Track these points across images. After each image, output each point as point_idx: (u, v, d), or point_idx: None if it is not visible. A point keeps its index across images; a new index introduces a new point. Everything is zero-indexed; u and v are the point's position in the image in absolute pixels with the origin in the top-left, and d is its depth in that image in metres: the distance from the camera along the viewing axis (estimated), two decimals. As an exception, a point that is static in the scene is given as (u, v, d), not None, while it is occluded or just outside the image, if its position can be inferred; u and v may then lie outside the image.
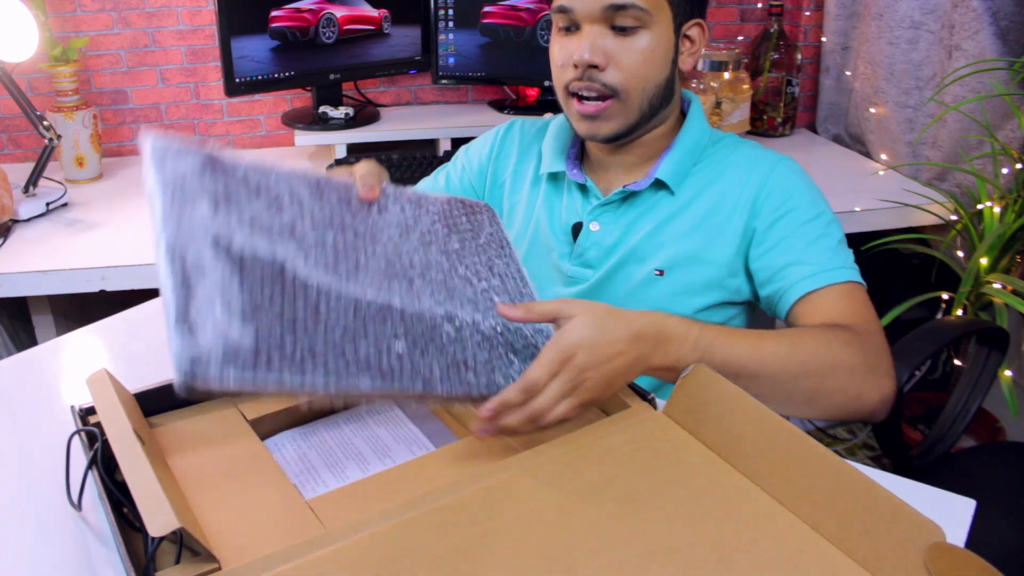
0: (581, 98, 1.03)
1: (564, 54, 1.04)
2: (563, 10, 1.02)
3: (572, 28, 1.03)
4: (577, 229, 1.14)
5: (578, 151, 1.18)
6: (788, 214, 1.03)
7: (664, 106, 1.07)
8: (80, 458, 0.77)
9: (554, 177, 1.18)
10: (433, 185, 1.31)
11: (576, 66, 1.01)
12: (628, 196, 1.10)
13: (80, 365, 1.06)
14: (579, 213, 1.14)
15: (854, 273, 1.01)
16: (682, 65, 1.07)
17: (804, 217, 1.03)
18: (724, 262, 1.06)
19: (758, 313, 1.15)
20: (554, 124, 1.20)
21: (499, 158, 1.25)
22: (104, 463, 0.72)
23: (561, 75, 1.05)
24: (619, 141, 1.08)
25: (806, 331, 0.91)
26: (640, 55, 1.01)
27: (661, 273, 1.08)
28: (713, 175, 1.09)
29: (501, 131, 1.27)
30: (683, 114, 1.15)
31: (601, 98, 1.02)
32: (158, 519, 0.58)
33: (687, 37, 1.06)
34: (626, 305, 1.06)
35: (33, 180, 1.72)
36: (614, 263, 1.10)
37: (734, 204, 1.06)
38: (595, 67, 1.00)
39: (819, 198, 1.06)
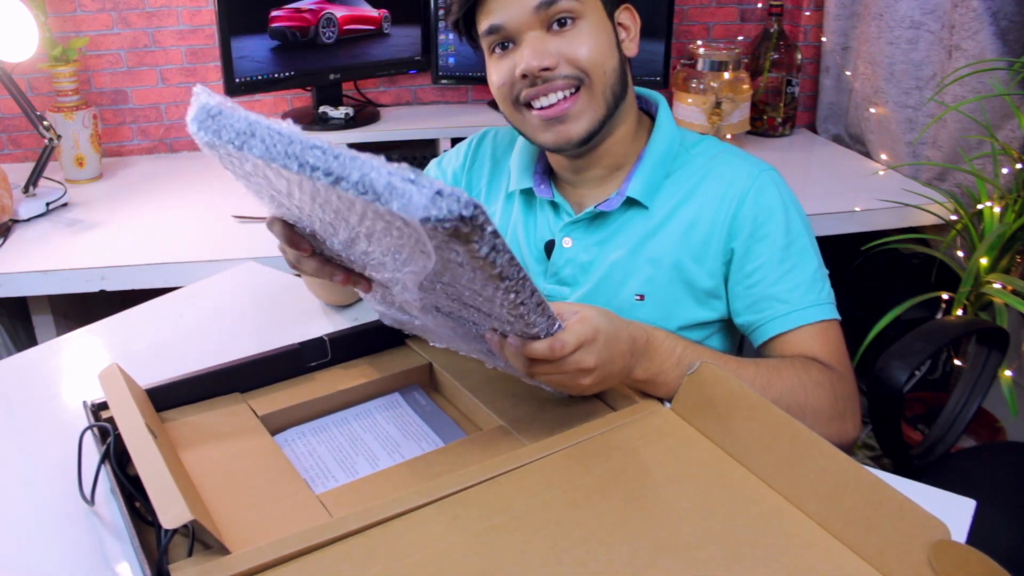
0: (543, 107, 0.99)
1: (505, 72, 0.99)
2: (493, 30, 0.98)
3: (507, 45, 0.99)
4: (550, 247, 1.10)
5: (545, 165, 1.13)
6: (765, 239, 1.01)
7: (623, 98, 1.03)
8: (88, 454, 0.77)
9: (526, 193, 1.13)
10: None
11: (524, 76, 0.97)
12: (599, 215, 1.06)
13: (80, 365, 1.06)
14: (551, 230, 1.10)
15: (828, 309, 1.00)
16: (626, 52, 1.04)
17: (780, 242, 1.00)
18: (705, 285, 1.03)
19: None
20: (521, 138, 1.14)
21: (472, 169, 1.20)
22: (116, 457, 0.72)
23: (509, 92, 1.00)
24: (590, 143, 1.02)
25: (784, 366, 0.93)
26: (586, 44, 0.97)
27: (642, 298, 1.04)
28: (690, 186, 1.04)
29: (475, 141, 1.22)
30: (651, 119, 1.11)
31: (566, 92, 0.97)
32: (171, 511, 0.58)
33: (620, 24, 1.03)
34: None
35: (33, 180, 1.72)
36: (592, 285, 1.07)
37: (712, 222, 1.02)
38: (547, 70, 0.96)
39: (797, 218, 1.03)
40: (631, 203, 1.05)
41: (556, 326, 0.73)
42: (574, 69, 0.97)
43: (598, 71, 0.98)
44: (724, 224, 1.01)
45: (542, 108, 0.98)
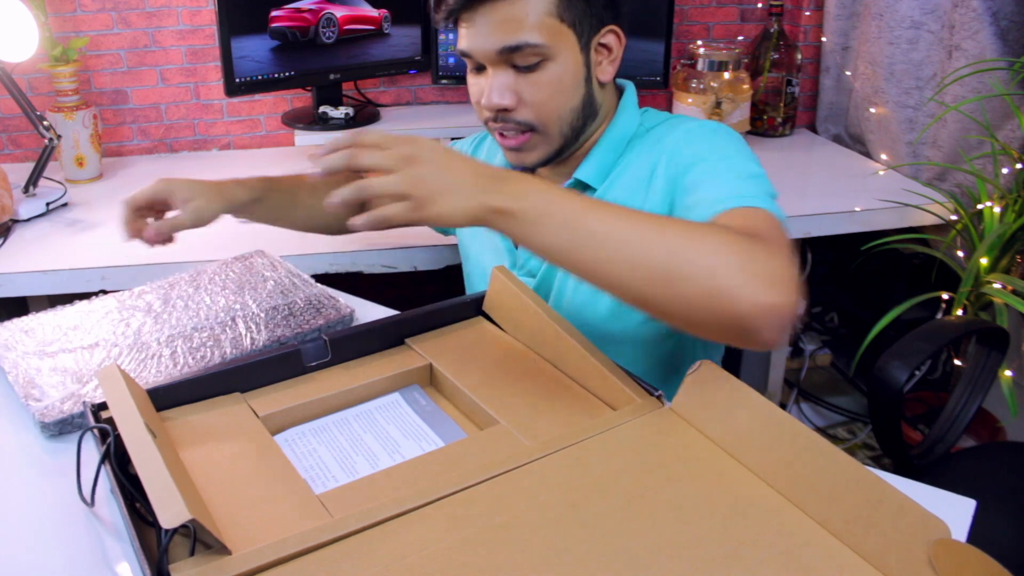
0: (502, 133, 1.04)
1: (475, 92, 1.03)
2: (465, 55, 1.01)
3: (480, 67, 1.02)
4: None
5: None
6: (697, 163, 0.97)
7: (589, 122, 1.06)
8: (89, 454, 0.77)
9: None
10: None
11: (488, 109, 1.01)
12: None
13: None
14: None
15: (767, 202, 0.90)
16: (601, 76, 1.04)
17: (712, 159, 0.96)
18: None
19: None
20: None
21: None
22: (116, 458, 0.72)
23: (479, 111, 1.05)
24: (551, 163, 1.08)
25: (683, 220, 0.82)
26: (548, 89, 0.99)
27: None
28: (633, 161, 1.05)
29: (476, 140, 1.28)
30: None
31: (519, 132, 1.02)
32: (170, 511, 0.58)
33: (603, 46, 1.03)
34: (579, 314, 1.08)
35: (33, 180, 1.72)
36: (545, 269, 1.11)
37: (642, 180, 1.03)
38: (506, 110, 1.00)
39: (727, 143, 0.99)
40: (582, 187, 1.08)
41: None
42: (529, 117, 1.01)
43: (552, 118, 1.01)
44: (662, 176, 1.01)
45: (502, 135, 1.04)
